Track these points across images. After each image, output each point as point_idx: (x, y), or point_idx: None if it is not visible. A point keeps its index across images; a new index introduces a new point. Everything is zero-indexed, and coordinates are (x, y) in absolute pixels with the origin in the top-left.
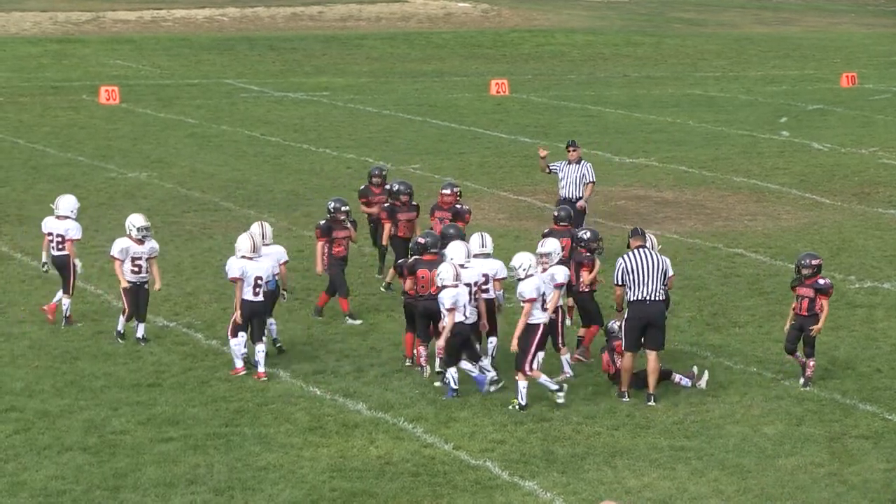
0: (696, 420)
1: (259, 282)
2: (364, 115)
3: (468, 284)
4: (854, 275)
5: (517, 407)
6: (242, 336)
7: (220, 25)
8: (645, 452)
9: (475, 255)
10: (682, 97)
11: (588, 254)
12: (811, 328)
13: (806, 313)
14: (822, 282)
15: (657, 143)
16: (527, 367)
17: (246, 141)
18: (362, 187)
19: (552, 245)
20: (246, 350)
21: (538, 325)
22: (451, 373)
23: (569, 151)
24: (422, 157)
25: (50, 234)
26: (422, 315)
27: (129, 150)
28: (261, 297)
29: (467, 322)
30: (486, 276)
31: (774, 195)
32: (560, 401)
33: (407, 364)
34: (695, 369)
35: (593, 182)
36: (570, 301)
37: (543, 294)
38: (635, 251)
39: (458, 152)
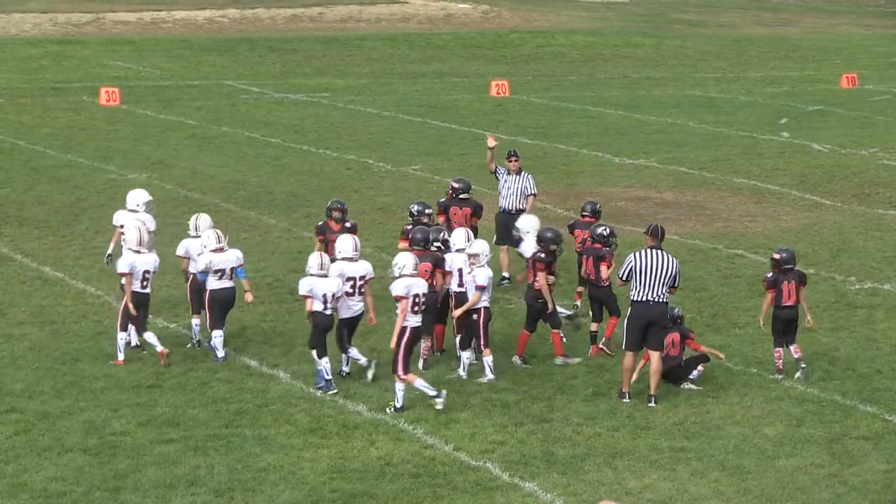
0: (696, 421)
1: (147, 275)
2: (364, 116)
3: (352, 278)
4: (854, 276)
5: (392, 409)
6: (131, 329)
7: (221, 27)
8: (645, 453)
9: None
10: (682, 98)
11: (607, 248)
12: (796, 321)
13: (787, 305)
14: (798, 272)
15: (657, 144)
16: (400, 371)
17: (246, 142)
18: (320, 223)
19: (480, 246)
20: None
21: (406, 328)
22: (324, 362)
23: (510, 161)
24: (422, 158)
25: (122, 225)
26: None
27: (130, 151)
28: (148, 290)
29: (326, 313)
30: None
31: (774, 196)
32: (439, 407)
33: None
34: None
35: (534, 194)
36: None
37: (416, 296)
38: (647, 251)
39: (459, 153)
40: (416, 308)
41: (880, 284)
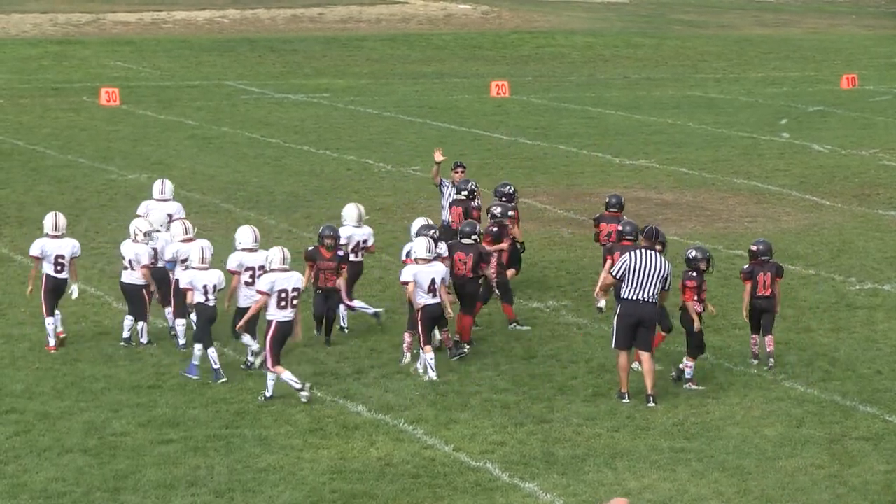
0: (696, 422)
1: (60, 260)
2: (364, 116)
3: (251, 268)
4: (854, 276)
5: (263, 398)
6: (58, 315)
7: (221, 27)
8: (645, 454)
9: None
10: (682, 99)
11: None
12: (773, 309)
13: (762, 294)
14: (775, 264)
15: (657, 144)
16: (269, 363)
17: (246, 143)
18: (310, 248)
19: (411, 245)
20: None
21: (272, 321)
22: (210, 352)
23: (456, 172)
24: (422, 158)
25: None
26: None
27: (130, 151)
28: (64, 275)
29: (209, 304)
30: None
31: (775, 197)
32: (304, 400)
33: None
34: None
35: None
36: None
37: (283, 291)
38: (642, 251)
39: (459, 154)
40: (282, 303)
41: (880, 285)
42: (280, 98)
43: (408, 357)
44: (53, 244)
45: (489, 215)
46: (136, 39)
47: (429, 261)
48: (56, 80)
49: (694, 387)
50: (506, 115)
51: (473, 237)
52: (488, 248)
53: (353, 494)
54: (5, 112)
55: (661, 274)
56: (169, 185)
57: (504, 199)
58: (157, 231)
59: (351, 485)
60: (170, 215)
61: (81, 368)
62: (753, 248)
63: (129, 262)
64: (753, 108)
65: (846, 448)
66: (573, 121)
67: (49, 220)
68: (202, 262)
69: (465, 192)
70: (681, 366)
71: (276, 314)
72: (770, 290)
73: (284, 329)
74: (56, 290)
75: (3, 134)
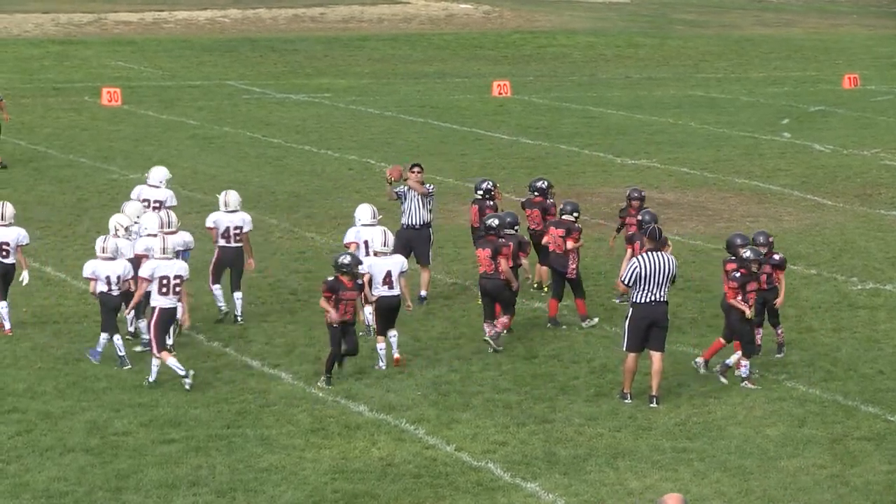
0: (698, 421)
1: (5, 247)
2: (366, 116)
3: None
4: (856, 276)
5: (147, 383)
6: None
7: (222, 27)
8: (647, 454)
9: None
10: (683, 98)
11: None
12: (774, 301)
13: (766, 287)
14: (776, 257)
15: (659, 144)
16: (154, 349)
17: (248, 142)
18: (331, 279)
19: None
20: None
21: (155, 307)
22: (116, 340)
23: (413, 172)
24: (423, 158)
25: (146, 200)
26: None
27: (131, 151)
28: (10, 260)
29: (113, 294)
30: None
31: (776, 197)
32: (187, 388)
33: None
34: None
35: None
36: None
37: (164, 278)
38: (649, 254)
39: (460, 154)
40: (164, 290)
41: (882, 285)
42: (281, 98)
43: (493, 341)
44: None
45: (560, 211)
46: (137, 39)
47: (385, 253)
48: (57, 79)
49: (750, 386)
50: (507, 114)
51: (515, 227)
52: (572, 244)
53: (354, 494)
54: (7, 111)
55: (671, 272)
56: (162, 172)
57: (537, 193)
58: (136, 223)
59: (353, 484)
60: (159, 203)
61: (83, 368)
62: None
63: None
64: (755, 107)
65: (848, 448)
66: (575, 120)
67: None
68: (104, 252)
69: (481, 192)
70: (729, 361)
71: (158, 300)
72: (774, 283)
73: (166, 315)
74: (5, 275)
75: (4, 133)
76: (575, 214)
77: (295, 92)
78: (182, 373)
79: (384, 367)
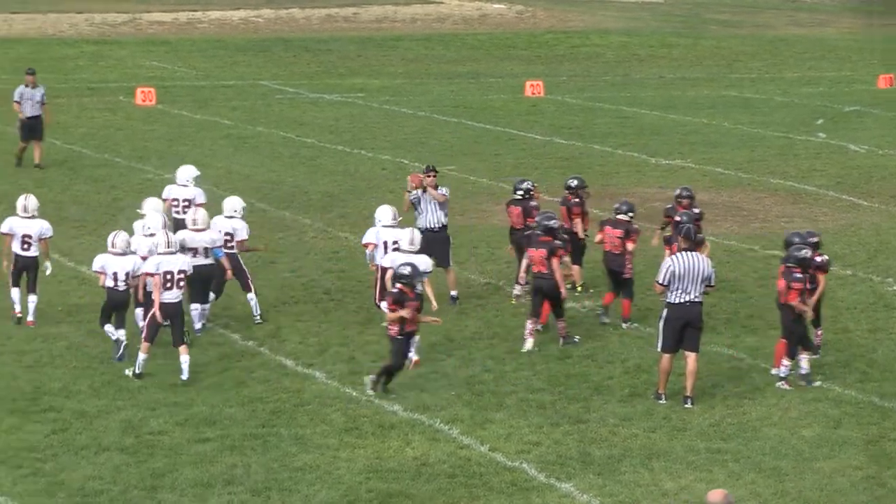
0: (732, 422)
1: (28, 239)
2: (399, 116)
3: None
4: (892, 277)
5: (131, 372)
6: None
7: (256, 27)
8: (682, 454)
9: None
10: (717, 99)
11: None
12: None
13: (809, 287)
14: (819, 259)
15: (693, 144)
16: (144, 336)
17: (281, 142)
18: (394, 290)
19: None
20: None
21: (155, 301)
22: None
23: (429, 176)
24: (457, 158)
25: (175, 199)
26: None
27: (165, 151)
28: (33, 253)
29: (119, 290)
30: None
31: (811, 197)
32: (128, 374)
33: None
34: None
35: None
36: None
37: (169, 273)
38: (683, 254)
39: (494, 154)
40: (168, 284)
41: None
42: (315, 98)
43: (529, 343)
44: (22, 224)
45: (615, 210)
46: (171, 39)
47: (413, 252)
48: (92, 79)
49: (786, 387)
50: (540, 114)
51: (630, 214)
52: (632, 246)
53: (389, 494)
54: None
55: (705, 272)
56: (190, 171)
57: (567, 191)
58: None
59: (387, 484)
60: (188, 201)
61: (118, 367)
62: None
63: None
64: (789, 107)
65: (884, 449)
66: (608, 120)
67: (20, 202)
68: (113, 247)
69: (521, 192)
70: (804, 369)
71: (162, 295)
72: (817, 283)
73: (166, 310)
74: (26, 268)
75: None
76: (630, 214)
77: (328, 92)
78: (138, 371)
79: (410, 366)
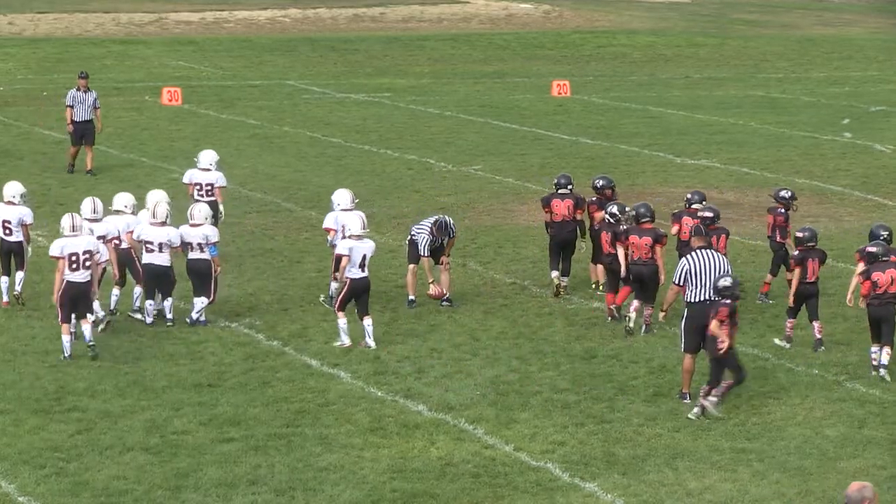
0: (757, 422)
1: (8, 225)
2: (426, 116)
3: (101, 237)
4: None
5: (62, 357)
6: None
7: (282, 27)
8: (706, 454)
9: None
10: (744, 98)
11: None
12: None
13: (811, 280)
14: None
15: (719, 144)
16: (60, 318)
17: (307, 142)
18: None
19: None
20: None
21: (64, 280)
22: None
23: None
24: (483, 158)
25: (198, 184)
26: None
27: (192, 151)
28: (16, 238)
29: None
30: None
31: (837, 197)
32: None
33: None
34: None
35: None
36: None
37: (74, 254)
38: (698, 252)
39: (520, 153)
40: (74, 265)
41: None
42: (341, 97)
43: (633, 317)
44: (3, 210)
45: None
46: (197, 39)
47: (361, 237)
48: (118, 79)
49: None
50: (567, 114)
51: (708, 206)
52: (660, 250)
53: (413, 494)
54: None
55: (723, 270)
56: (211, 155)
57: (595, 190)
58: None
59: (411, 484)
60: (210, 185)
61: (143, 367)
62: (800, 234)
63: (160, 245)
64: (815, 107)
65: None
66: (634, 120)
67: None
68: (73, 231)
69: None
70: (884, 361)
71: (67, 275)
72: (816, 276)
73: (73, 289)
74: (10, 252)
75: (65, 133)
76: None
77: (355, 91)
78: (66, 354)
79: (373, 346)
